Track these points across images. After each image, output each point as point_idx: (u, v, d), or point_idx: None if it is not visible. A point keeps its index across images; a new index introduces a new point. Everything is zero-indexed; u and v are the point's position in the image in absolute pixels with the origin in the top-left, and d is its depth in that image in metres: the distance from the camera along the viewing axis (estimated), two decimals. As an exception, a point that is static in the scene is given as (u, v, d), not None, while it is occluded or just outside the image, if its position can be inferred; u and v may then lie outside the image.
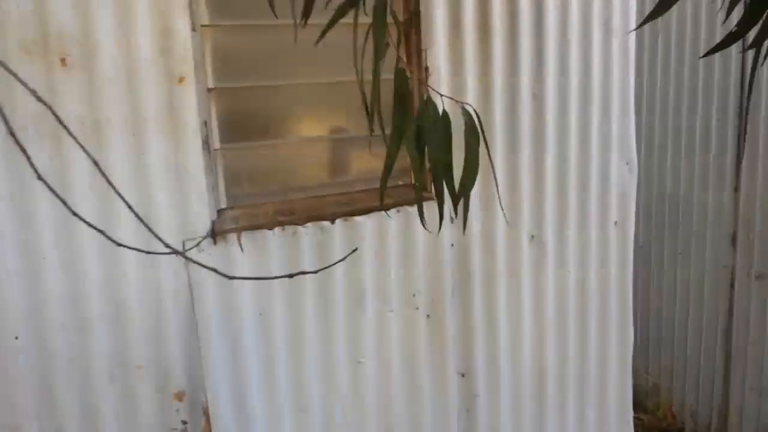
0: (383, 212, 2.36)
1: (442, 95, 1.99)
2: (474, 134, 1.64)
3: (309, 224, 2.25)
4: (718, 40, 4.17)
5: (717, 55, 4.22)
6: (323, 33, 1.48)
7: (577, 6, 2.73)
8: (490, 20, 2.54)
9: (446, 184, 1.73)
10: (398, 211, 2.44)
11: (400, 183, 2.50)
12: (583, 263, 2.93)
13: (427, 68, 2.44)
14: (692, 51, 4.34)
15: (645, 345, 4.94)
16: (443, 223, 2.47)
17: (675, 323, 4.71)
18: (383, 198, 1.73)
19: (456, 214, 1.71)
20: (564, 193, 2.81)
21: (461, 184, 1.69)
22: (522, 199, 2.69)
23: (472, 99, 2.54)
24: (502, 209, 2.61)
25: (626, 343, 3.13)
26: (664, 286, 4.74)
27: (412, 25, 2.48)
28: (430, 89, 2.03)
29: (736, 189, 4.28)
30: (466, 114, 1.64)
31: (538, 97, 2.69)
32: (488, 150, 1.79)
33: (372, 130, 1.54)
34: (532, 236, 2.77)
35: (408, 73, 1.57)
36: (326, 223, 2.28)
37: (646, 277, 4.90)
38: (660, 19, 4.42)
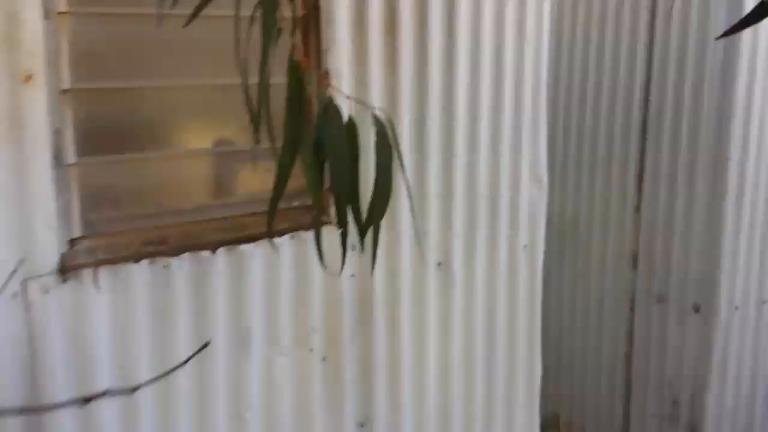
0: (274, 239, 2.02)
1: (348, 97, 1.67)
2: (386, 148, 1.35)
3: (184, 255, 1.89)
4: (622, 45, 4.10)
5: (622, 72, 4.14)
6: (194, 14, 1.15)
7: (491, 11, 2.50)
8: (398, 19, 2.26)
9: (351, 208, 1.43)
10: (292, 237, 2.11)
11: (296, 204, 2.17)
12: (492, 291, 2.69)
13: (327, 71, 2.14)
14: (597, 60, 4.23)
15: (545, 372, 4.78)
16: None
17: (575, 350, 4.58)
18: (273, 223, 1.41)
19: (362, 246, 1.41)
20: (473, 215, 2.57)
21: (370, 209, 1.39)
22: (429, 222, 2.42)
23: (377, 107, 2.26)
24: (418, 239, 2.33)
25: (533, 378, 2.92)
26: (564, 311, 4.61)
27: (310, 21, 2.18)
28: (332, 90, 1.71)
29: (638, 209, 4.20)
30: (378, 123, 1.34)
31: (447, 110, 2.43)
32: (403, 167, 1.50)
33: (257, 141, 1.22)
34: (440, 263, 2.51)
35: (306, 72, 1.26)
36: (206, 254, 1.92)
37: (544, 300, 4.76)
38: (569, 21, 4.31)
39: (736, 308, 4.00)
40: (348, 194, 1.41)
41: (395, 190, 1.39)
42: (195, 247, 1.90)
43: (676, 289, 4.06)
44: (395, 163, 1.32)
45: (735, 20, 3.74)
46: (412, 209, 2.28)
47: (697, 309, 4.01)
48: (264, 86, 1.17)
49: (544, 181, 2.76)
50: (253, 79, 1.23)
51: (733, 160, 3.79)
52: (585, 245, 4.44)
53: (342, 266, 1.49)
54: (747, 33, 3.68)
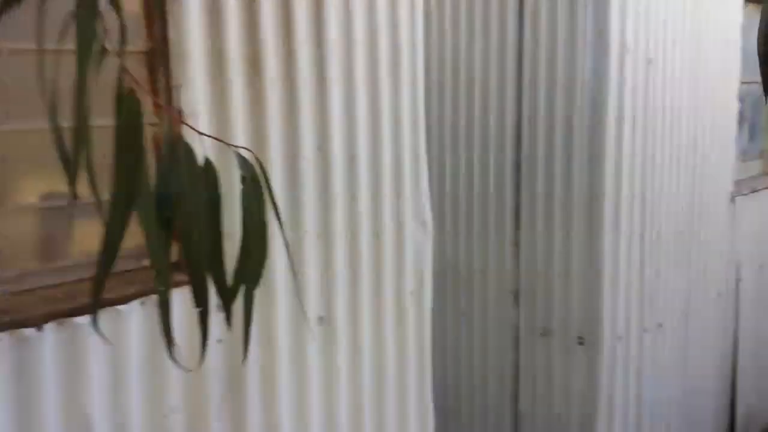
0: (117, 307, 1.68)
1: (203, 134, 1.36)
2: (257, 196, 1.07)
3: (2, 334, 1.52)
4: (491, 83, 4.01)
5: (492, 108, 4.04)
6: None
7: (363, 45, 2.28)
8: (261, 53, 2.00)
9: (213, 273, 1.14)
10: (143, 303, 1.78)
11: (147, 263, 1.83)
12: (379, 344, 2.45)
13: (180, 111, 1.84)
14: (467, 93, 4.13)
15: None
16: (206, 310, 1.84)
17: (460, 390, 4.41)
18: (99, 291, 1.09)
19: (229, 321, 1.12)
20: (355, 262, 2.33)
21: (239, 274, 1.11)
22: (308, 272, 2.15)
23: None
24: (298, 292, 2.04)
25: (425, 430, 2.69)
26: (448, 350, 4.44)
27: (158, 55, 1.88)
28: (184, 126, 1.41)
29: (516, 245, 4.10)
30: (245, 165, 1.07)
31: (323, 149, 2.18)
32: (278, 215, 1.23)
33: (74, 194, 0.92)
34: (321, 317, 2.24)
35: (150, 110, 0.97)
36: (30, 331, 1.55)
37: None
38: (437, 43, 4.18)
39: (620, 338, 3.95)
40: (210, 255, 1.12)
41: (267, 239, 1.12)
42: (16, 323, 1.53)
43: (559, 323, 3.98)
44: (267, 213, 1.05)
45: (601, 60, 3.81)
46: (291, 261, 2.00)
47: (581, 341, 3.94)
48: (81, 122, 0.87)
49: (428, 224, 2.56)
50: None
51: (607, 196, 3.76)
52: (466, 284, 4.29)
53: (202, 357, 1.20)
54: (614, 71, 3.68)
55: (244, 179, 1.13)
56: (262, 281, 1.18)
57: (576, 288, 3.90)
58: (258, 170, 1.11)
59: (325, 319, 2.24)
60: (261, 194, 1.09)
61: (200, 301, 1.08)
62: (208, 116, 1.90)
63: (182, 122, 1.80)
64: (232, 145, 1.19)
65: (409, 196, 2.49)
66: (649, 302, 4.13)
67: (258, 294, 2.00)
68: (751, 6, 5.07)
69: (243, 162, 1.10)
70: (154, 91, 1.87)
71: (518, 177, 4.01)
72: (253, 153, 1.14)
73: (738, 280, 5.03)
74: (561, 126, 3.80)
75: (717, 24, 4.49)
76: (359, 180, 2.30)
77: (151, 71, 1.87)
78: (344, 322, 2.29)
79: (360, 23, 2.25)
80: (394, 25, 2.38)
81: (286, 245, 1.21)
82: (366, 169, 2.31)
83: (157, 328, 1.74)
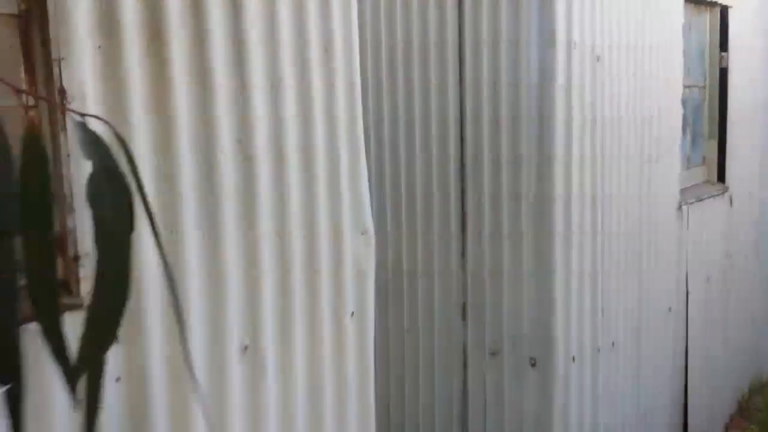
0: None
1: (81, 114, 0.96)
2: (117, 192, 0.72)
3: None
4: (432, 84, 3.72)
5: (434, 110, 3.75)
6: None
7: (290, 30, 1.95)
8: (165, 20, 1.64)
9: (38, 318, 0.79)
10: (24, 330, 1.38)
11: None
12: (315, 374, 2.09)
13: (63, 90, 1.47)
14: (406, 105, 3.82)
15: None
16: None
17: (405, 413, 4.07)
18: None
19: (74, 391, 0.76)
20: (286, 280, 1.97)
21: (90, 319, 0.75)
22: (228, 297, 1.78)
23: (145, 145, 1.60)
24: (217, 317, 1.67)
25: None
26: (391, 370, 4.09)
27: (34, 18, 1.51)
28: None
29: (463, 254, 3.80)
30: (94, 146, 0.71)
31: (243, 142, 1.83)
32: (153, 223, 0.87)
33: None
34: (246, 347, 1.87)
35: None
36: None
37: (369, 364, 4.23)
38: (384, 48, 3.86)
39: (573, 359, 3.69)
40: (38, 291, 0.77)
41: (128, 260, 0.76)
42: None
43: (509, 342, 3.69)
44: (133, 217, 0.70)
45: (548, 57, 3.57)
46: (169, 282, 1.63)
47: (533, 362, 3.66)
48: None
49: (370, 234, 2.23)
50: None
51: (557, 200, 3.52)
52: (410, 297, 3.97)
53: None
54: (561, 68, 3.45)
55: (96, 171, 0.77)
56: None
57: (527, 302, 3.63)
58: (122, 152, 0.75)
59: (251, 349, 1.87)
60: (122, 190, 0.74)
61: (50, 335, 0.72)
62: (99, 98, 1.52)
63: (64, 107, 1.43)
64: (75, 112, 0.82)
65: (348, 203, 2.15)
66: (602, 319, 3.89)
67: (161, 323, 1.64)
68: (692, 6, 4.95)
69: (90, 140, 0.74)
70: (30, 66, 1.49)
71: (463, 180, 3.73)
72: (112, 127, 0.78)
73: (687, 293, 4.86)
74: (507, 127, 3.54)
75: (660, 23, 4.32)
76: (288, 182, 1.95)
77: (26, 40, 1.48)
78: (273, 351, 1.93)
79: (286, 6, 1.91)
80: (324, 16, 2.06)
81: (162, 259, 0.85)
82: (296, 170, 1.96)
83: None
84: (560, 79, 3.43)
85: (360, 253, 2.22)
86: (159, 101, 1.63)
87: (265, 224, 1.87)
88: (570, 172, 3.55)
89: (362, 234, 2.22)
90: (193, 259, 1.67)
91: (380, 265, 4.04)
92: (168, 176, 1.65)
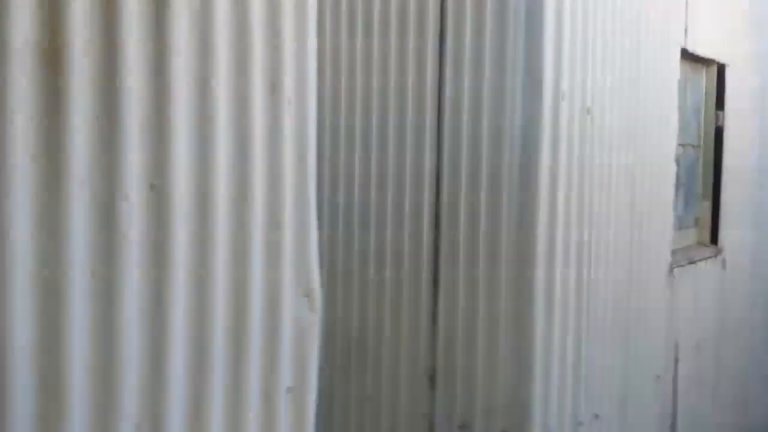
0: None
1: None
2: None
3: None
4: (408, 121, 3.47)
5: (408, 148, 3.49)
6: None
7: (227, 50, 1.68)
8: (64, 43, 1.37)
9: None
10: None
11: None
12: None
13: None
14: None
15: None
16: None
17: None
18: None
19: None
20: (203, 350, 1.66)
21: None
22: (122, 373, 1.48)
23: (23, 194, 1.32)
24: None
25: None
26: (351, 441, 3.76)
27: None
28: None
29: (434, 318, 3.50)
30: None
31: (158, 189, 1.54)
32: None
33: None
34: (138, 424, 1.55)
35: None
36: None
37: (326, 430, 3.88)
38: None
39: (551, 433, 3.37)
40: None
41: None
42: None
43: (482, 413, 3.37)
44: None
45: (534, 106, 3.33)
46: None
47: (507, 437, 3.34)
48: None
49: (316, 296, 1.93)
50: None
51: (539, 262, 3.24)
52: (374, 361, 3.66)
53: None
54: (547, 119, 3.20)
55: None
56: None
57: (502, 367, 3.32)
58: None
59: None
60: None
61: None
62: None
63: None
64: None
65: (289, 260, 1.85)
66: (585, 388, 3.58)
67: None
68: (689, 64, 4.75)
69: None
70: None
71: (437, 235, 3.45)
72: None
73: (676, 360, 4.55)
74: (487, 178, 3.27)
75: (655, 78, 4.10)
76: (215, 235, 1.66)
77: None
78: (185, 436, 1.62)
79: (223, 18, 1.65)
80: (274, 33, 1.79)
81: None
82: (224, 217, 1.67)
83: None
84: (546, 128, 3.18)
85: (302, 318, 1.91)
86: (51, 136, 1.35)
87: (179, 283, 1.57)
88: (554, 229, 3.28)
89: (305, 296, 1.92)
90: (76, 332, 1.37)
91: (343, 323, 3.76)
92: (53, 232, 1.35)
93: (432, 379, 3.52)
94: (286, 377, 1.86)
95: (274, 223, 1.78)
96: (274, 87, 1.78)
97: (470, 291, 3.34)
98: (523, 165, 3.19)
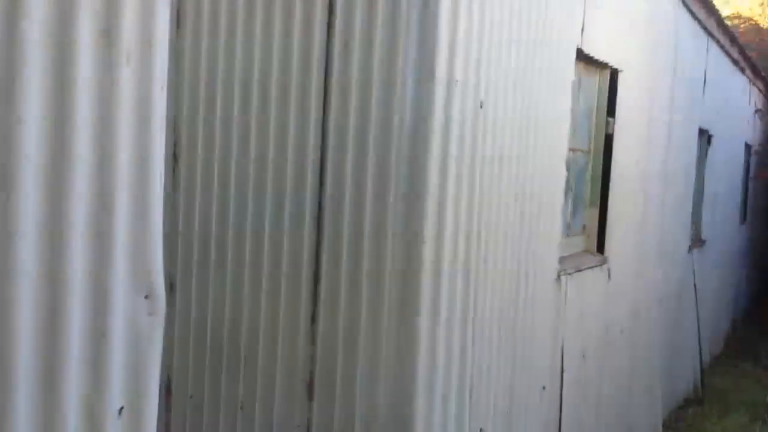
0: None
1: None
2: None
3: None
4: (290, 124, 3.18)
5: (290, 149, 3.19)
6: None
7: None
8: None
9: None
10: None
11: None
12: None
13: None
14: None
15: None
16: None
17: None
18: None
19: None
20: (5, 363, 1.32)
21: None
22: None
23: None
24: None
25: None
26: (219, 455, 3.42)
27: None
28: None
29: (313, 319, 3.23)
30: None
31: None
32: None
33: None
34: None
35: None
36: None
37: (194, 444, 3.55)
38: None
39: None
40: None
41: None
42: None
43: (362, 425, 3.12)
44: None
45: (424, 99, 3.11)
46: None
47: (386, 452, 3.09)
48: None
49: (157, 296, 1.61)
50: None
51: (425, 266, 3.01)
52: (247, 367, 3.35)
53: None
54: (439, 114, 2.98)
55: None
56: None
57: (384, 378, 3.07)
58: None
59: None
60: None
61: None
62: None
63: None
64: None
65: (124, 250, 1.52)
66: (470, 402, 3.37)
67: None
68: (583, 65, 4.67)
69: None
70: None
71: (319, 232, 3.17)
72: None
73: (563, 370, 4.45)
74: (373, 171, 3.02)
75: (549, 77, 3.96)
76: (16, 211, 1.31)
77: None
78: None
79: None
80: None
81: None
82: (32, 193, 1.33)
83: None
84: (437, 125, 2.96)
85: (140, 322, 1.59)
86: None
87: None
88: (443, 232, 3.06)
89: (145, 297, 1.60)
90: None
91: (215, 323, 3.42)
92: None
93: (310, 387, 3.23)
94: (117, 395, 1.53)
95: (101, 206, 1.45)
96: (106, 34, 1.45)
97: (352, 295, 3.08)
98: (412, 158, 2.96)
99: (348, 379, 3.13)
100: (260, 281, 3.28)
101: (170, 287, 3.53)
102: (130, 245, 1.53)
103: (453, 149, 3.04)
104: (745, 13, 17.93)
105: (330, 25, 3.09)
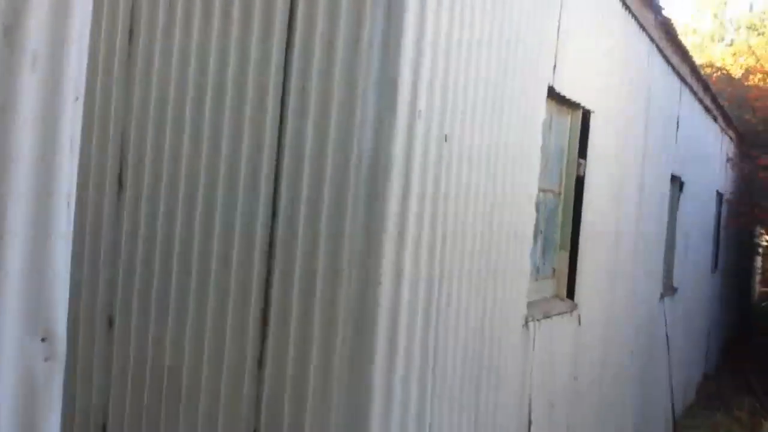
0: None
1: None
2: None
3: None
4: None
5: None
6: None
7: None
8: None
9: None
10: None
11: None
12: None
13: None
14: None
15: None
16: None
17: None
18: None
19: None
20: None
21: None
22: None
23: None
24: None
25: None
26: None
27: None
28: None
29: (260, 364, 3.00)
30: None
31: None
32: None
33: None
34: None
35: None
36: None
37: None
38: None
39: None
40: None
41: None
42: None
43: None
44: None
45: (385, 132, 2.94)
46: None
47: None
48: None
49: (59, 341, 1.41)
50: None
51: (381, 313, 2.81)
52: (187, 418, 3.10)
53: None
54: (399, 148, 2.81)
55: None
56: None
57: (333, 428, 2.85)
58: None
59: None
60: None
61: None
62: None
63: None
64: None
65: (15, 286, 1.31)
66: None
67: None
68: (555, 104, 4.54)
69: None
70: None
71: (269, 274, 2.97)
72: None
73: (530, 422, 4.23)
74: (329, 205, 2.83)
75: (519, 116, 3.82)
76: None
77: None
78: None
79: None
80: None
81: None
82: None
83: None
84: (397, 160, 2.78)
85: (35, 368, 1.37)
86: None
87: None
88: (401, 271, 2.86)
89: (42, 340, 1.38)
90: None
91: (155, 360, 3.18)
92: None
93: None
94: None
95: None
96: (8, 32, 1.26)
97: (302, 330, 2.87)
98: (370, 193, 2.77)
99: (296, 427, 2.90)
100: (204, 320, 3.06)
101: (109, 323, 3.29)
102: (23, 281, 1.32)
103: (414, 185, 2.87)
104: (718, 63, 18.20)
105: (288, 47, 2.93)
